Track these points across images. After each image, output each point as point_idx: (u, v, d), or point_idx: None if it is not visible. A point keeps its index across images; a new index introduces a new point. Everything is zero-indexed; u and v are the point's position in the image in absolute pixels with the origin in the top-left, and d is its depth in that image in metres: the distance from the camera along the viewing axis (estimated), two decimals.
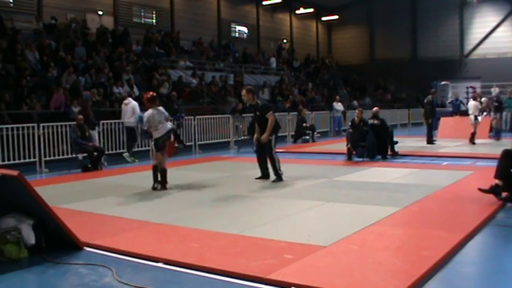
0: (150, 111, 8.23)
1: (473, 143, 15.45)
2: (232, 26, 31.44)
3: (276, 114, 21.59)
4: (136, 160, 12.96)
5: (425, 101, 15.96)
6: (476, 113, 15.90)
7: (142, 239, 5.36)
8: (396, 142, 13.10)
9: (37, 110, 13.95)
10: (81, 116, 12.11)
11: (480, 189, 6.92)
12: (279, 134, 9.92)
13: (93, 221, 6.33)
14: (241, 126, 17.21)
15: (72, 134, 11.74)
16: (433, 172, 10.03)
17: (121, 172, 11.11)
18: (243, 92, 9.52)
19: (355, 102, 28.48)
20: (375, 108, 13.55)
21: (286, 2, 33.11)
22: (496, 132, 17.05)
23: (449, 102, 24.64)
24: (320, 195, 7.64)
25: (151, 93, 8.67)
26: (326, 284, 3.89)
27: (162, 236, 5.49)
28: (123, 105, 13.42)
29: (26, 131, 11.81)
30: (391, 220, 5.99)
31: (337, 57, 38.55)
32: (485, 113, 18.67)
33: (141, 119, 8.64)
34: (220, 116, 17.26)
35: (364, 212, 6.38)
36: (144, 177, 9.96)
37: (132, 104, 13.16)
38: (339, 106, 22.68)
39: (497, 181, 6.82)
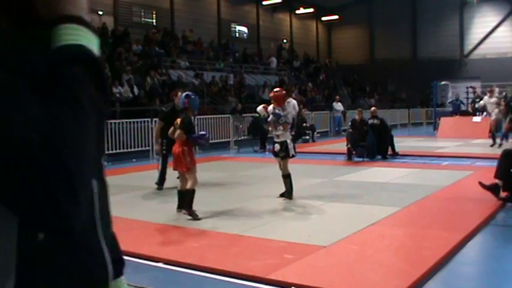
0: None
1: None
2: (232, 26, 31.40)
3: None
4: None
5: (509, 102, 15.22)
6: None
7: (142, 239, 5.36)
8: None
9: None
10: None
11: (480, 183, 6.91)
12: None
13: None
14: (241, 126, 17.21)
15: None
16: (433, 172, 10.03)
17: (121, 172, 11.09)
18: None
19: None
20: (373, 108, 13.60)
21: (286, 2, 33.06)
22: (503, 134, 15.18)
23: (449, 102, 24.62)
24: (320, 195, 7.65)
25: (283, 89, 8.15)
26: (326, 284, 3.90)
27: (162, 236, 5.49)
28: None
29: None
30: (391, 220, 5.99)
31: (337, 57, 38.54)
32: (484, 113, 18.58)
33: (278, 116, 8.05)
34: (220, 116, 17.25)
35: (364, 212, 6.39)
36: (144, 177, 9.96)
37: (292, 102, 15.22)
38: (338, 106, 22.67)
39: (497, 181, 6.82)
